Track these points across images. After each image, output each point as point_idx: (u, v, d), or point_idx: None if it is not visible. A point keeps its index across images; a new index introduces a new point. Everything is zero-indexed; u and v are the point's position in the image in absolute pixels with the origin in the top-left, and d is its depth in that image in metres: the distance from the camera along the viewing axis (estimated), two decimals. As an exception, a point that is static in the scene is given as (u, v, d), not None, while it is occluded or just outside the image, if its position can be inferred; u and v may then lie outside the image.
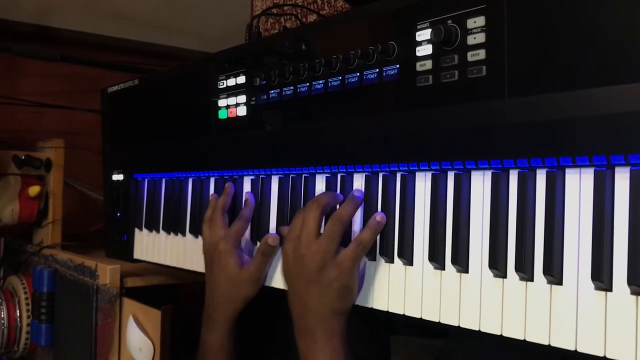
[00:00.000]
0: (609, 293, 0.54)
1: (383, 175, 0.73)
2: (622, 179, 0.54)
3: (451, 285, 0.65)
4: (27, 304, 1.37)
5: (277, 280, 0.86)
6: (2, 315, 1.36)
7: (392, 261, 0.72)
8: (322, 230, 0.74)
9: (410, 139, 0.69)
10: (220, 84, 0.95)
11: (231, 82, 0.93)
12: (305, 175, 0.83)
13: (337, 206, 0.77)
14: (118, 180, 1.20)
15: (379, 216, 0.72)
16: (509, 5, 0.60)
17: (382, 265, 0.73)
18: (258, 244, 0.87)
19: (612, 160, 0.53)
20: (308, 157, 0.81)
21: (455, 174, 0.66)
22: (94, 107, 1.34)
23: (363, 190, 0.75)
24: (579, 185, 0.57)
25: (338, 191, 0.78)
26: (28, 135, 1.68)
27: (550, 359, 0.58)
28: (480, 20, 0.62)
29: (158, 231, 1.10)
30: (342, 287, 0.72)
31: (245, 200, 0.90)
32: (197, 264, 1.01)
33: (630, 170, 0.53)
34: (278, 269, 0.85)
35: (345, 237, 0.74)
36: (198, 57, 1.09)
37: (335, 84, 0.77)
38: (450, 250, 0.65)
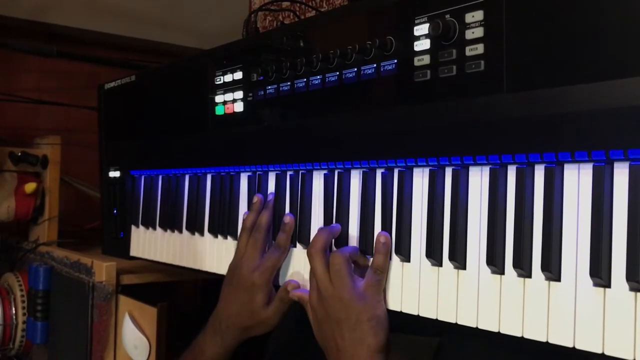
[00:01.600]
0: (607, 289, 0.53)
1: (381, 172, 0.73)
2: (621, 174, 0.53)
3: (448, 282, 0.65)
4: (23, 302, 1.37)
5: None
6: (-2, 313, 1.35)
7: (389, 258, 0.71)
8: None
9: (407, 134, 0.68)
10: (217, 79, 0.95)
11: (228, 78, 0.93)
12: (303, 171, 0.82)
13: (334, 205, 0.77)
14: (115, 177, 1.20)
15: (382, 237, 0.70)
16: (508, 0, 0.59)
17: (379, 262, 0.72)
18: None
19: (611, 155, 0.53)
20: (305, 153, 0.80)
21: (453, 169, 0.65)
22: (90, 104, 1.33)
23: (360, 194, 0.74)
24: (578, 180, 0.56)
25: (335, 187, 0.77)
26: (24, 132, 1.67)
27: (548, 355, 0.58)
28: (478, 15, 0.61)
29: (155, 228, 1.09)
30: (372, 319, 0.69)
31: (284, 225, 0.83)
32: (193, 261, 1.00)
33: (630, 165, 0.52)
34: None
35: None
36: (196, 53, 1.08)
37: (333, 79, 0.76)
38: (447, 247, 0.65)
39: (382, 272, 0.70)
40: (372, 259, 0.71)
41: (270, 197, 0.87)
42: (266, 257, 0.84)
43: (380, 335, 0.69)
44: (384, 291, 0.71)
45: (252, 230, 0.86)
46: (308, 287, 0.78)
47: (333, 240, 0.77)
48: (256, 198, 0.87)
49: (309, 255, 0.74)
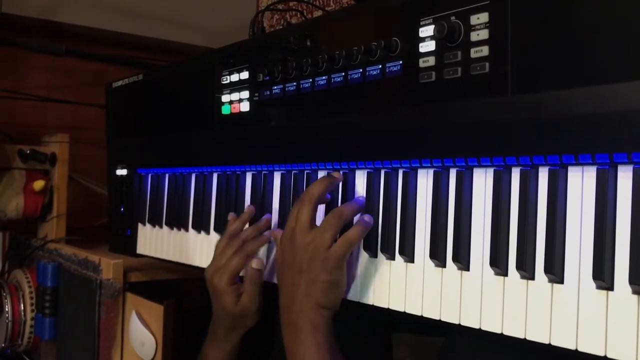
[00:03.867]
0: (610, 292, 0.53)
1: (385, 172, 0.73)
2: (624, 177, 0.53)
3: (452, 283, 0.65)
4: (31, 298, 1.38)
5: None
6: (7, 309, 1.37)
7: (393, 258, 0.71)
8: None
9: (412, 135, 0.68)
10: (224, 79, 0.95)
11: (234, 77, 0.93)
12: (307, 171, 0.83)
13: (340, 196, 0.77)
14: (122, 175, 1.20)
15: (367, 217, 0.73)
16: (513, 2, 0.59)
17: (383, 262, 0.72)
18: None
19: (615, 158, 0.53)
20: (310, 153, 0.81)
21: (457, 171, 0.65)
22: (99, 102, 1.34)
23: (364, 194, 0.75)
24: (582, 183, 0.56)
25: (340, 188, 0.78)
26: (33, 130, 1.68)
27: (552, 356, 0.58)
28: (483, 17, 0.62)
29: (161, 226, 1.10)
30: (328, 281, 0.71)
31: (261, 236, 0.87)
32: (199, 259, 1.01)
33: (633, 168, 0.52)
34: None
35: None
36: (203, 52, 1.08)
37: (338, 80, 0.76)
38: (451, 248, 0.65)
39: (351, 245, 0.72)
40: (350, 229, 0.72)
41: (274, 222, 0.88)
42: (227, 261, 0.86)
43: (329, 296, 0.72)
44: (387, 291, 0.72)
45: (230, 238, 0.88)
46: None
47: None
48: (248, 209, 0.90)
49: (301, 199, 0.75)
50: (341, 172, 0.78)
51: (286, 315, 0.75)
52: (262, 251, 0.89)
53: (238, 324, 0.88)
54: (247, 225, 0.90)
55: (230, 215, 0.91)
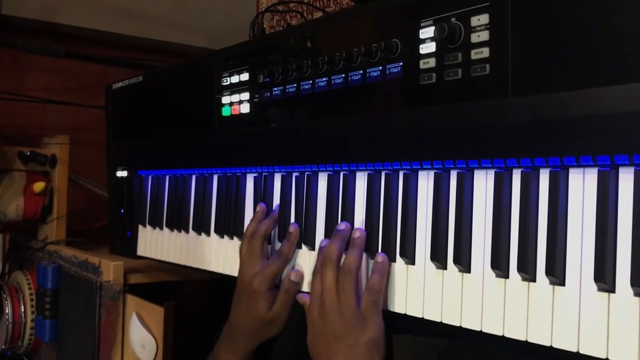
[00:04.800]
0: (612, 294, 0.53)
1: (385, 174, 0.73)
2: (626, 179, 0.53)
3: (453, 285, 0.65)
4: (32, 300, 1.38)
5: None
6: (7, 311, 1.37)
7: (394, 260, 0.71)
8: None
9: (412, 137, 0.68)
10: (224, 81, 0.95)
11: (234, 79, 0.93)
12: (308, 173, 0.83)
13: (340, 206, 0.77)
14: (122, 177, 1.20)
15: (380, 257, 0.71)
16: (513, 3, 0.59)
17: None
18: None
19: (616, 160, 0.52)
20: (311, 155, 0.81)
21: (458, 173, 0.65)
22: (99, 103, 1.34)
23: (364, 230, 0.74)
24: (583, 185, 0.56)
25: (340, 190, 0.78)
26: (33, 131, 1.68)
27: (554, 358, 0.58)
28: (484, 18, 0.61)
29: (161, 228, 1.10)
30: (369, 341, 0.69)
31: (288, 234, 0.84)
32: (200, 261, 1.01)
33: (635, 170, 0.52)
34: None
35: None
36: (203, 54, 1.08)
37: (339, 81, 0.76)
38: (452, 250, 0.65)
39: (379, 293, 0.70)
40: (369, 277, 0.71)
41: (275, 208, 0.87)
42: (267, 264, 0.84)
43: (374, 358, 0.69)
44: (387, 293, 0.71)
45: (251, 238, 0.87)
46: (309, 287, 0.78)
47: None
48: (259, 207, 0.88)
49: (324, 263, 0.74)
50: (342, 173, 0.77)
51: None
52: (306, 265, 0.86)
53: (262, 331, 0.87)
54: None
55: (260, 207, 0.89)
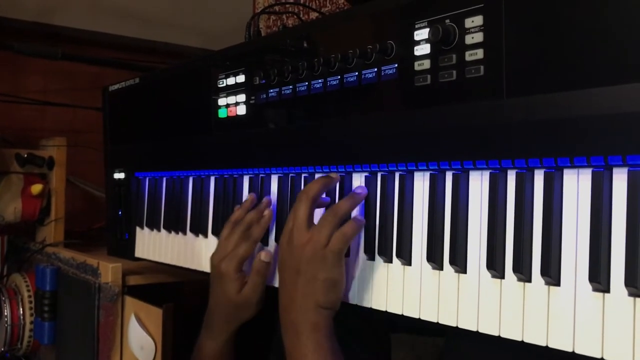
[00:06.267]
0: (606, 294, 0.54)
1: (381, 175, 0.73)
2: (619, 180, 0.53)
3: (449, 286, 0.65)
4: (30, 302, 1.38)
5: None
6: (5, 313, 1.37)
7: (390, 261, 0.72)
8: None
9: (408, 138, 0.68)
10: (220, 82, 0.95)
11: (231, 80, 0.93)
12: (305, 174, 0.83)
13: (337, 198, 0.77)
14: (119, 179, 1.20)
15: (359, 188, 0.73)
16: (507, 5, 0.59)
17: (381, 265, 0.72)
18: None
19: (610, 161, 0.53)
20: (307, 156, 0.81)
21: (453, 174, 0.65)
22: (96, 105, 1.34)
23: (366, 190, 0.75)
24: (577, 186, 0.56)
25: (337, 191, 0.78)
26: (30, 133, 1.68)
27: (551, 357, 0.58)
28: (478, 20, 0.62)
29: (159, 230, 1.10)
30: (327, 280, 0.71)
31: (261, 218, 0.86)
32: (197, 262, 1.01)
33: (628, 171, 0.53)
34: None
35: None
36: (200, 55, 1.08)
37: (334, 83, 0.76)
38: (448, 251, 0.65)
39: (348, 240, 0.72)
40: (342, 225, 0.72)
41: (273, 202, 0.88)
42: (236, 247, 0.85)
43: (330, 295, 0.72)
44: (385, 294, 0.72)
45: (234, 224, 0.87)
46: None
47: None
48: (249, 196, 0.89)
49: (299, 197, 0.75)
50: (338, 174, 0.78)
51: (286, 317, 0.75)
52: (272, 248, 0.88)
53: (236, 315, 0.87)
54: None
55: (236, 207, 0.91)
